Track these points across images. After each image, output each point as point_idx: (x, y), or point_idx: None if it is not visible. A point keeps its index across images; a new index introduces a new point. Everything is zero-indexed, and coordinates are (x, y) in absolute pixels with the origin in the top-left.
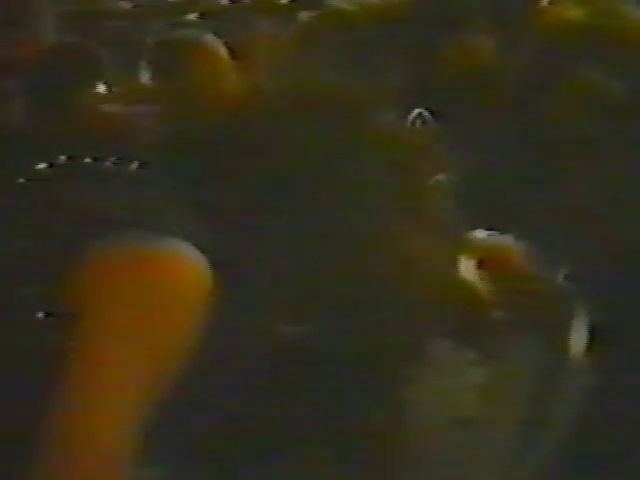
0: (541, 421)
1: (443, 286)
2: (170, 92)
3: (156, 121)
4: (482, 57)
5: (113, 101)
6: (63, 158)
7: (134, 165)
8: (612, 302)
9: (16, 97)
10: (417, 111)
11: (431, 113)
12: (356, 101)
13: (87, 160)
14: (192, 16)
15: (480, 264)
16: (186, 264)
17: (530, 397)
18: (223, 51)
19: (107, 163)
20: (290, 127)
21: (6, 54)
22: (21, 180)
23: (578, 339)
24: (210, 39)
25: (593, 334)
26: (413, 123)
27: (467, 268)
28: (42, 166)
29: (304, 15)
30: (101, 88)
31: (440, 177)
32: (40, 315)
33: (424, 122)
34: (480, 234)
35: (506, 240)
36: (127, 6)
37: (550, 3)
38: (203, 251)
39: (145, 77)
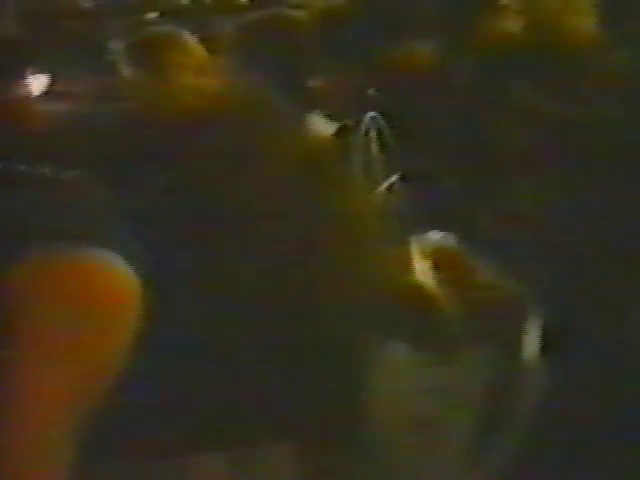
0: (496, 422)
1: (397, 289)
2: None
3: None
4: (428, 64)
5: (53, 99)
6: None
7: (72, 173)
8: (562, 304)
9: None
10: (370, 114)
11: (383, 116)
12: (277, 108)
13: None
14: (153, 15)
15: (435, 266)
16: (111, 275)
17: (485, 398)
18: (200, 47)
19: (46, 170)
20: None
21: None
22: None
23: (531, 342)
24: (187, 35)
25: (545, 337)
26: (367, 132)
27: (422, 270)
28: None
29: (252, 16)
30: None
31: (392, 180)
32: None
33: (379, 132)
34: (434, 236)
35: (459, 242)
36: (89, 4)
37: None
38: (133, 262)
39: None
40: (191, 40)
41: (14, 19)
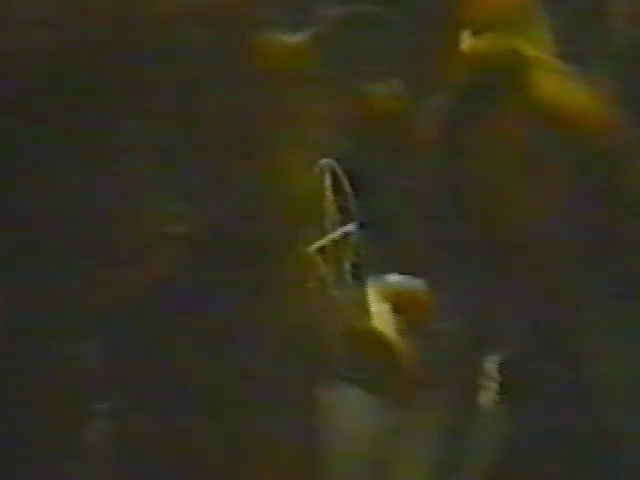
0: (452, 465)
1: (353, 333)
2: None
3: None
4: (395, 104)
5: None
6: None
7: None
8: (521, 348)
9: None
10: (325, 161)
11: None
12: None
13: None
14: None
15: (394, 309)
16: None
17: (441, 442)
18: None
19: None
20: None
21: None
22: None
23: (488, 390)
24: None
25: (503, 383)
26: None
27: (379, 314)
28: None
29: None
30: None
31: (348, 228)
32: None
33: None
34: (394, 278)
35: (418, 284)
36: None
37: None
38: None
39: None
40: None
41: None
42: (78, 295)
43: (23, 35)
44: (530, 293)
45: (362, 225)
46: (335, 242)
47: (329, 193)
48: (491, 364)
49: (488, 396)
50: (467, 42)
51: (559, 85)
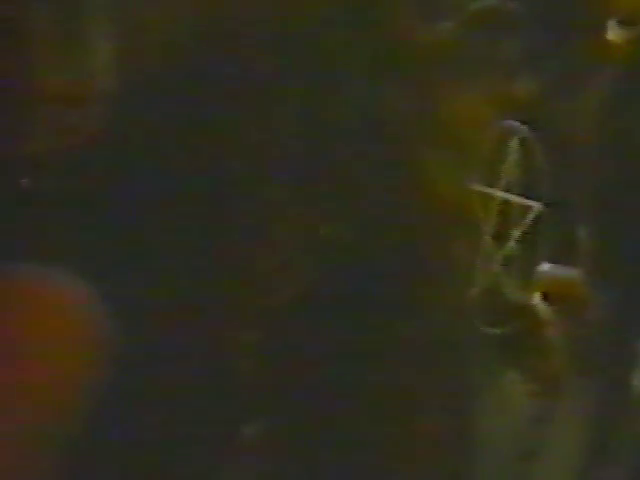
0: (604, 454)
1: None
2: None
3: None
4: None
5: None
6: None
7: None
8: None
9: None
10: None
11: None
12: None
13: None
14: None
15: (545, 297)
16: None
17: (592, 430)
18: None
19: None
20: None
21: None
22: None
23: None
24: None
25: None
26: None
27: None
28: None
29: None
30: None
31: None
32: None
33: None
34: (546, 267)
35: (570, 273)
36: None
37: None
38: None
39: None
40: None
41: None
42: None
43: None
44: None
45: (547, 205)
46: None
47: (512, 162)
48: None
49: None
50: (614, 31)
51: None
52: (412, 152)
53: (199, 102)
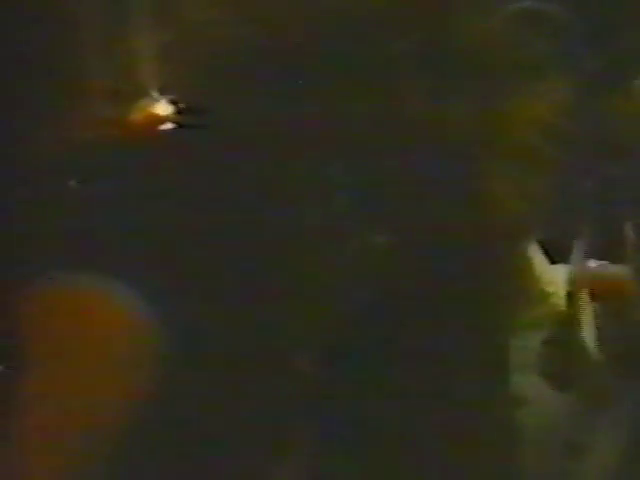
0: None
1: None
2: None
3: None
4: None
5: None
6: None
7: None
8: None
9: None
10: None
11: None
12: None
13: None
14: None
15: (591, 295)
16: (116, 310)
17: (636, 431)
18: None
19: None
20: None
21: None
22: None
23: None
24: None
25: None
26: None
27: (575, 299)
28: None
29: None
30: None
31: None
32: None
33: None
34: (592, 264)
35: (618, 270)
36: None
37: None
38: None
39: None
40: None
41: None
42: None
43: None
44: None
45: None
46: None
47: None
48: None
49: None
50: None
51: None
52: (473, 163)
53: (248, 100)
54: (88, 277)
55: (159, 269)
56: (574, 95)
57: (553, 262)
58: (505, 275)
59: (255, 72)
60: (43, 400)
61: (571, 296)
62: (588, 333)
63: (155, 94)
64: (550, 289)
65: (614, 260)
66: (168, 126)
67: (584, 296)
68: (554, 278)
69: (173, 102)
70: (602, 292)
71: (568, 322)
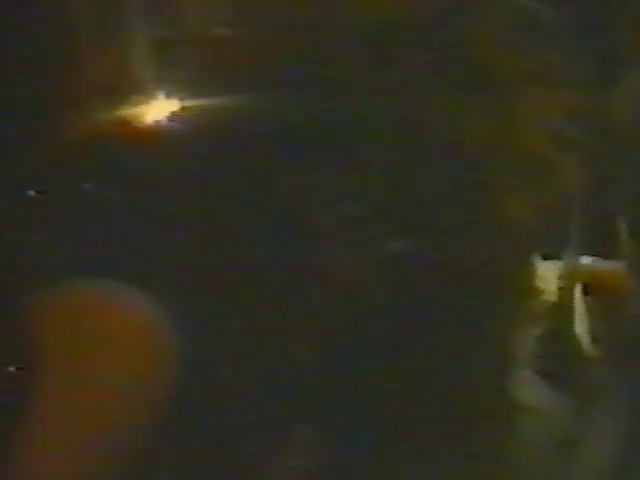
0: None
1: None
2: None
3: None
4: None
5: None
6: None
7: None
8: None
9: None
10: None
11: None
12: None
13: None
14: None
15: (585, 290)
16: (128, 310)
17: (631, 425)
18: None
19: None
20: None
21: None
22: None
23: None
24: None
25: None
26: None
27: (567, 293)
28: None
29: None
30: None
31: None
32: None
33: None
34: (586, 259)
35: (612, 266)
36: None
37: None
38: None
39: None
40: None
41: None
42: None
43: None
44: None
45: None
46: None
47: None
48: None
49: None
50: None
51: None
52: (489, 173)
53: (256, 99)
54: (98, 279)
55: (164, 268)
56: (582, 100)
57: (545, 258)
58: (516, 282)
59: (259, 69)
60: (56, 401)
61: (564, 292)
62: (581, 329)
63: (152, 91)
64: (542, 285)
65: (607, 256)
66: (165, 123)
67: (577, 292)
68: (546, 274)
69: (170, 99)
70: (595, 288)
71: (561, 318)
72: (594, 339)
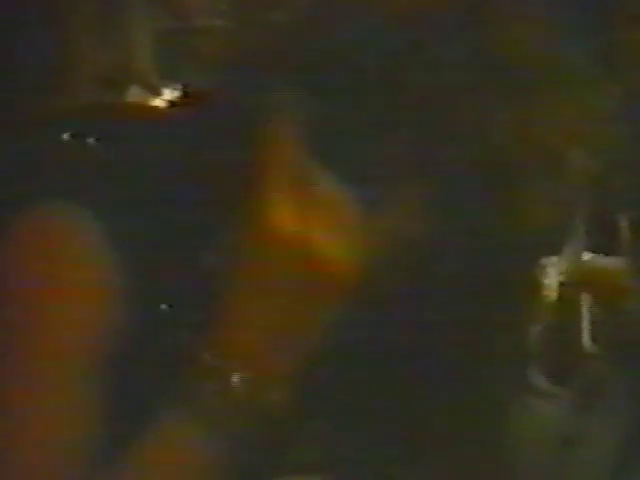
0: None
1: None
2: None
3: None
4: None
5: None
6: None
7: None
8: None
9: None
10: None
11: None
12: None
13: None
14: None
15: (586, 288)
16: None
17: (632, 425)
18: None
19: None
20: None
21: None
22: None
23: None
24: None
25: None
26: None
27: (563, 290)
28: None
29: None
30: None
31: None
32: None
33: None
34: (585, 256)
35: (611, 262)
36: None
37: None
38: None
39: None
40: None
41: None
42: None
43: None
44: None
45: None
46: None
47: None
48: None
49: None
50: None
51: None
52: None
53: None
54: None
55: None
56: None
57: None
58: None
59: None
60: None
61: (565, 289)
62: (582, 326)
63: (151, 80)
64: (543, 281)
65: (608, 252)
66: (165, 111)
67: (578, 289)
68: (547, 270)
69: (170, 88)
70: (596, 285)
71: (562, 315)
72: (595, 335)
